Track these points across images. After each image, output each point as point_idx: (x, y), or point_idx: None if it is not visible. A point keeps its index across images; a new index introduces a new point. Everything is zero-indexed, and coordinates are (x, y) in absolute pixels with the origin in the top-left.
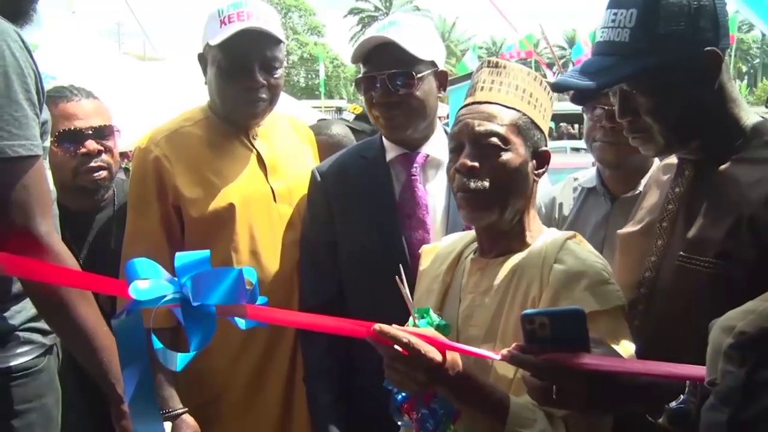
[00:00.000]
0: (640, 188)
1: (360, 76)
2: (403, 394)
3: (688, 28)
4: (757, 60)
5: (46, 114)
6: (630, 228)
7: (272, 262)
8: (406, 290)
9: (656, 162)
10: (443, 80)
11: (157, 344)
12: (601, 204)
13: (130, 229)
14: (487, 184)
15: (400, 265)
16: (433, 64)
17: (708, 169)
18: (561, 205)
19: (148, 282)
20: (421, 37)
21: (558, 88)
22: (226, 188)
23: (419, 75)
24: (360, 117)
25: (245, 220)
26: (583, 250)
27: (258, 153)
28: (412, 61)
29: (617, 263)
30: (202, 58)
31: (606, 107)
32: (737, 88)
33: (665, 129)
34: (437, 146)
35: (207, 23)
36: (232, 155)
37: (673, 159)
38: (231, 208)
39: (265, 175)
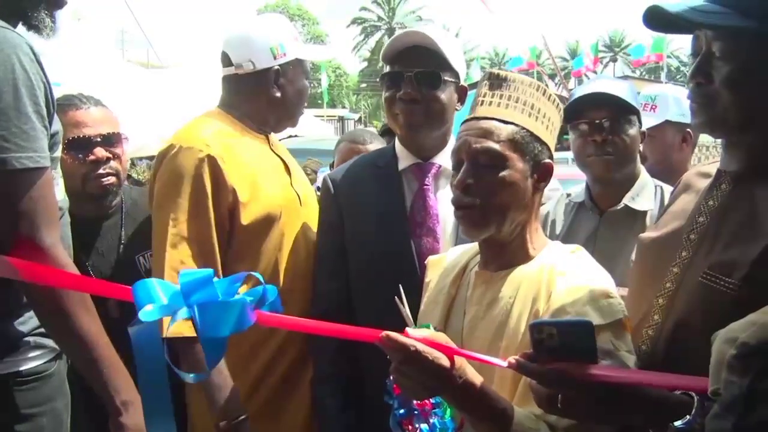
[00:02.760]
0: (625, 201)
1: (386, 71)
2: (402, 411)
3: None
4: None
5: (57, 125)
6: (652, 233)
7: (299, 265)
8: (405, 310)
9: (641, 174)
10: (463, 95)
11: (186, 376)
12: (590, 218)
13: (175, 232)
14: (478, 201)
15: (400, 286)
16: (457, 75)
17: (746, 186)
18: (554, 222)
19: (154, 306)
20: (452, 46)
21: (652, 12)
22: (272, 193)
23: (446, 78)
24: None
25: (287, 224)
26: (586, 264)
27: (282, 159)
28: (441, 64)
29: (634, 268)
30: (269, 71)
31: (596, 121)
32: None
33: (731, 104)
34: (450, 158)
35: (281, 36)
36: (268, 160)
37: (709, 167)
38: (279, 211)
39: (290, 180)
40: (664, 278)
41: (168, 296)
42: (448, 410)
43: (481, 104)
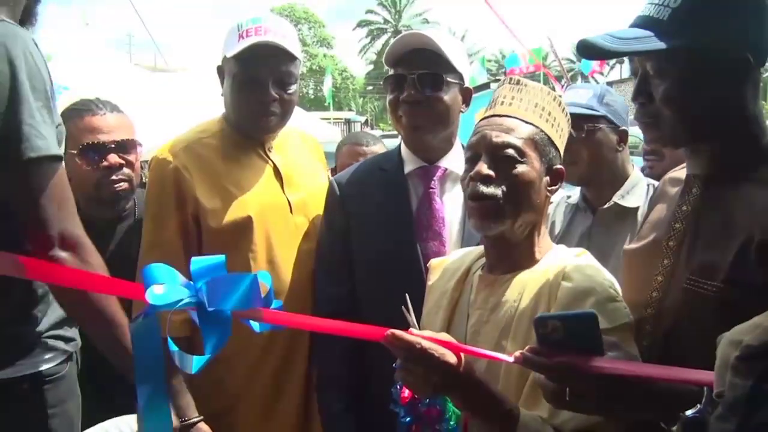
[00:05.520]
0: (614, 199)
1: (389, 74)
2: (408, 418)
3: (730, 26)
4: (767, 74)
5: (58, 117)
6: (636, 244)
7: (289, 272)
8: (412, 318)
9: (631, 172)
10: (467, 97)
11: (173, 347)
12: (584, 218)
13: (146, 239)
14: (501, 191)
15: (407, 295)
16: (461, 77)
17: (716, 188)
18: (554, 223)
19: (164, 287)
20: (454, 48)
21: (583, 45)
22: (245, 199)
23: (448, 79)
24: None
25: (263, 230)
26: (591, 268)
27: (274, 165)
28: (443, 65)
29: (623, 281)
30: (219, 71)
31: None
32: (761, 111)
33: (675, 119)
34: (455, 160)
35: (226, 37)
36: (250, 166)
37: (680, 173)
38: (249, 218)
39: (281, 186)
40: (650, 288)
41: (176, 283)
42: (454, 417)
43: (502, 104)
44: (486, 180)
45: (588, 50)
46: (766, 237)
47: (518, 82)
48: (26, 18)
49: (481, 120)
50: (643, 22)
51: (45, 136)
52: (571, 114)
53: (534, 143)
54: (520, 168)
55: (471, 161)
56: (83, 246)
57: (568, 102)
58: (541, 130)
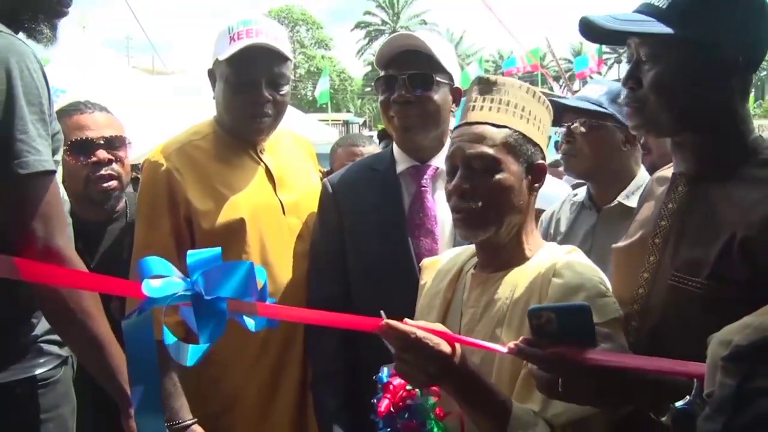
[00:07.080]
0: (619, 199)
1: (380, 76)
2: (387, 430)
3: (729, 24)
4: (765, 72)
5: (57, 126)
6: (624, 242)
7: (282, 273)
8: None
9: (638, 173)
10: (457, 96)
11: (170, 339)
12: (589, 216)
13: (139, 241)
14: (480, 204)
15: (382, 311)
16: (450, 77)
17: (702, 186)
18: (559, 220)
19: (160, 280)
20: (443, 49)
21: (584, 22)
22: (237, 201)
23: (438, 79)
24: None
25: (256, 232)
26: (581, 264)
27: (266, 166)
28: (433, 66)
29: (612, 277)
30: (211, 74)
31: (566, 123)
32: (749, 112)
33: (659, 106)
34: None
35: (217, 40)
36: (242, 168)
37: (667, 172)
38: (241, 220)
39: (274, 188)
40: (637, 285)
41: (172, 276)
42: (436, 429)
43: (473, 109)
44: (464, 194)
45: (588, 28)
46: (750, 233)
47: (488, 82)
48: (34, 33)
49: (455, 129)
50: (645, 9)
51: (38, 151)
52: (578, 109)
53: (508, 146)
54: (497, 176)
55: (450, 174)
56: (65, 260)
57: (581, 96)
58: (516, 131)
